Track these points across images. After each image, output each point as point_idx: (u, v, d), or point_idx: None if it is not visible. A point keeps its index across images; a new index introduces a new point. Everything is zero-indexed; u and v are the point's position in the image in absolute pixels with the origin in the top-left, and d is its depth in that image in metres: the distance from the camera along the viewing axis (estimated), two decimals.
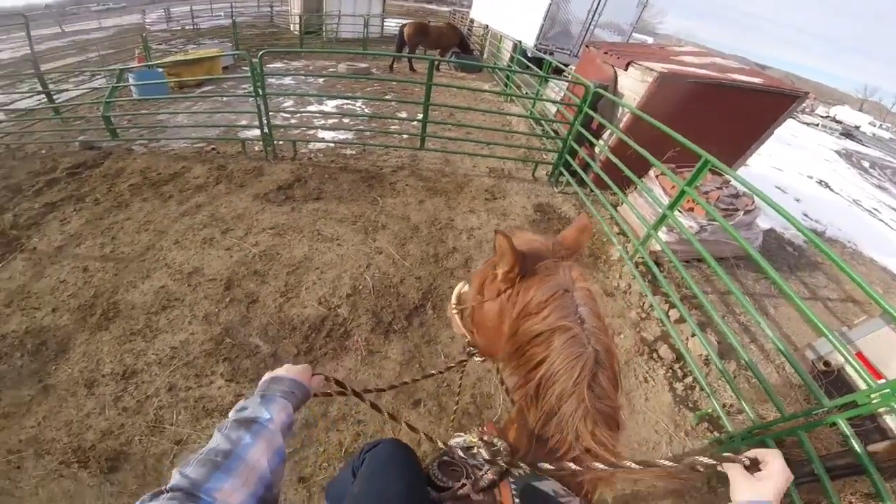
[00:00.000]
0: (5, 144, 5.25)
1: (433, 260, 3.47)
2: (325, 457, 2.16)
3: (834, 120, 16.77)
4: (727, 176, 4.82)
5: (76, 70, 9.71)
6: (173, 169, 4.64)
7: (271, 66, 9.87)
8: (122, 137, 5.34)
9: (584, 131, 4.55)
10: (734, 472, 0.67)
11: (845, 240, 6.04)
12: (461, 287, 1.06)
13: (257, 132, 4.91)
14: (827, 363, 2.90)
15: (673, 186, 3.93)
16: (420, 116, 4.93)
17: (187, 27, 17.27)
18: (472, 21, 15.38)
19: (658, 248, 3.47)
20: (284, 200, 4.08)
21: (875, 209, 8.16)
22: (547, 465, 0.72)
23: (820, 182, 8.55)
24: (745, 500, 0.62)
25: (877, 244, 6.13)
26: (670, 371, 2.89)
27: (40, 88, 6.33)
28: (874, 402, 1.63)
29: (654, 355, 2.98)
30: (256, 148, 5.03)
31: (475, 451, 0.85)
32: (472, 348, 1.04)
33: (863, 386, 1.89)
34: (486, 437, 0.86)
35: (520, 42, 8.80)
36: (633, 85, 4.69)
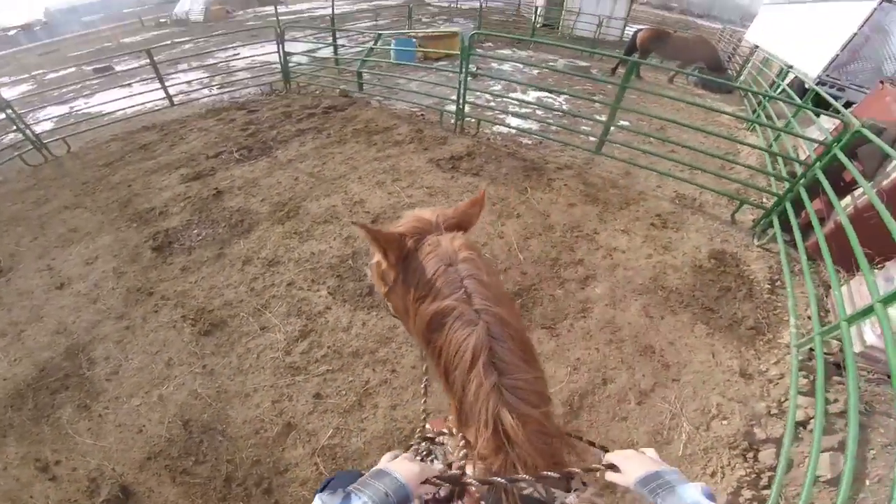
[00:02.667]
0: (297, 82, 7.29)
1: (550, 263, 3.33)
2: (348, 387, 2.44)
3: None
4: None
5: (361, 32, 11.95)
6: (387, 124, 5.66)
7: (501, 51, 10.59)
8: (366, 92, 6.76)
9: (823, 180, 3.41)
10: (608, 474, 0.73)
11: None
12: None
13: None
14: None
15: None
16: (604, 118, 4.59)
17: (452, 5, 19.80)
18: (739, 40, 13.21)
19: (855, 349, 2.56)
20: (450, 169, 4.51)
21: None
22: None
23: None
24: (640, 476, 0.68)
25: None
26: (753, 475, 2.33)
27: (331, 41, 8.28)
28: None
29: (748, 455, 2.41)
30: (452, 121, 5.61)
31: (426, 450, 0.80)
32: None
33: None
34: (430, 435, 0.81)
35: (790, 67, 7.17)
36: None
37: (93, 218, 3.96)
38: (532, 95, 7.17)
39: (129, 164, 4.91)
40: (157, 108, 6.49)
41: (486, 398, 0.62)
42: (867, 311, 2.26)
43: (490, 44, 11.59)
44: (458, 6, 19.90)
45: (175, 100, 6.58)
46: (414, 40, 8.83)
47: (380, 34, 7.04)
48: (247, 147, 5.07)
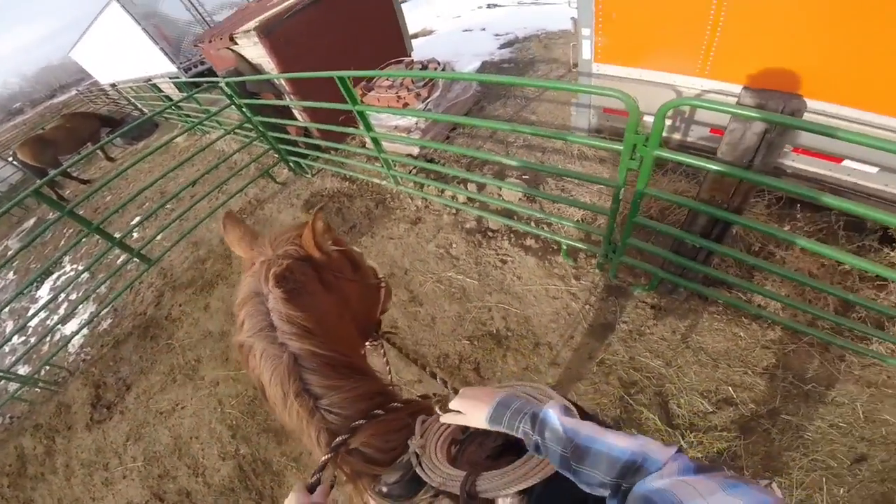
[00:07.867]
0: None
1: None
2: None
3: None
4: (410, 57, 5.14)
5: None
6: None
7: None
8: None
9: (266, 119, 4.32)
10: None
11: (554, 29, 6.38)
12: None
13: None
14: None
15: (379, 100, 4.21)
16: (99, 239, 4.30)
17: None
18: (101, 89, 13.27)
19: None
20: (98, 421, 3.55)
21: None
22: None
23: (489, 6, 8.86)
24: (486, 415, 0.65)
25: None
26: (512, 236, 2.71)
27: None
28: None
29: (488, 234, 2.81)
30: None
31: None
32: None
33: None
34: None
35: (150, 80, 8.05)
36: (258, 53, 4.41)
37: None
38: (45, 290, 5.90)
39: None
40: None
41: (307, 425, 0.64)
42: (376, 142, 3.38)
43: None
44: None
45: None
46: None
47: None
48: None
